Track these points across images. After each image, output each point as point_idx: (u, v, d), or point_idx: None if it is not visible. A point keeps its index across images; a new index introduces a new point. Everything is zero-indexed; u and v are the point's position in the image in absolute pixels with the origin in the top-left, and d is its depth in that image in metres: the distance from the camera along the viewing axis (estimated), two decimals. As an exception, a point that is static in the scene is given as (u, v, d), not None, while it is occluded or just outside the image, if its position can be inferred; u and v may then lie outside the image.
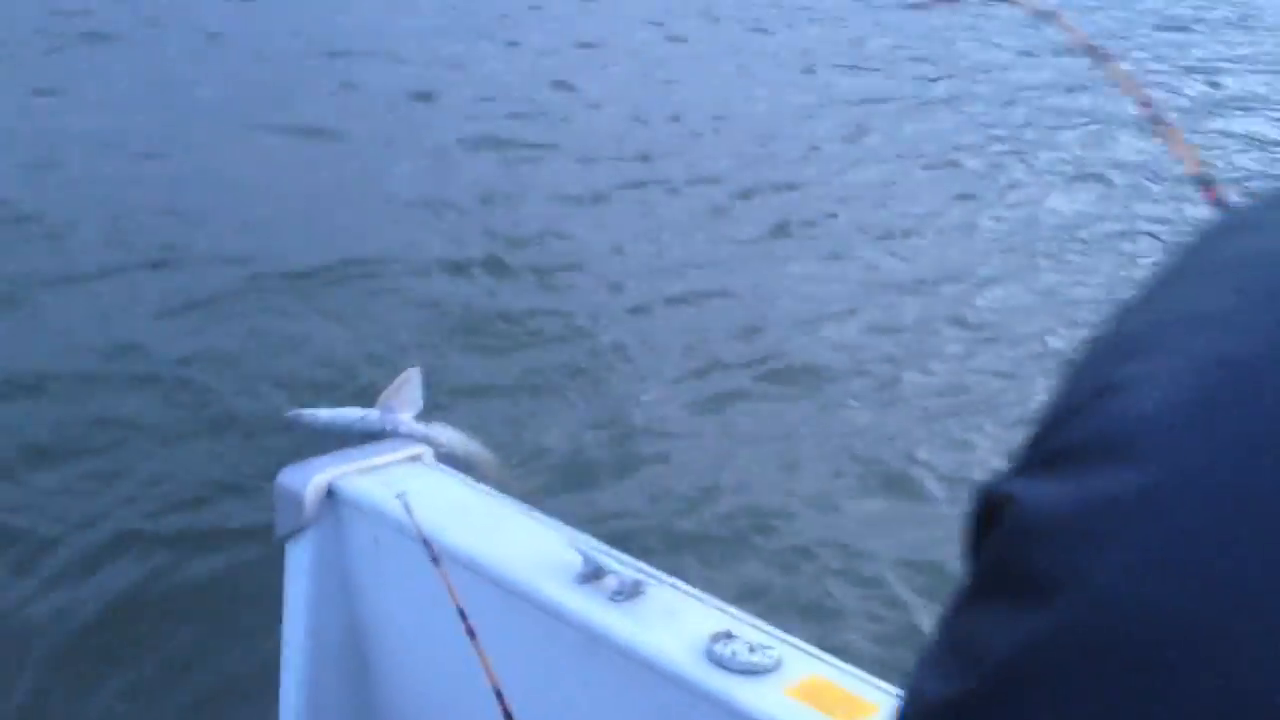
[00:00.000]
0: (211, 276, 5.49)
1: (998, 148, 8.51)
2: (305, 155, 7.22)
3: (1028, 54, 10.78)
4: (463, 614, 1.82)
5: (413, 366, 2.69)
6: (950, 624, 0.51)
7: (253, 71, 8.70)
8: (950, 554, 3.88)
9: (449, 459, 3.20)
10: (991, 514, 0.51)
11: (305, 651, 2.24)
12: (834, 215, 6.99)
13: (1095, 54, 1.07)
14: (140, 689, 3.10)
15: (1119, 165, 8.20)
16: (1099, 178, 8.03)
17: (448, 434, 3.33)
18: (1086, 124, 9.15)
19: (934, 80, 10.05)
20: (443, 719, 2.18)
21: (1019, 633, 0.46)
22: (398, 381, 2.70)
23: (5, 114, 7.33)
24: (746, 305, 5.74)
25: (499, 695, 1.62)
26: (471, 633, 1.76)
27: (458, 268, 5.85)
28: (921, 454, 4.51)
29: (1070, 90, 9.80)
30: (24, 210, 6.01)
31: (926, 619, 3.59)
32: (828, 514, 4.16)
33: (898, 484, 4.35)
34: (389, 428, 3.06)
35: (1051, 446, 0.51)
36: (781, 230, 6.66)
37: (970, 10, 11.24)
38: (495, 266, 5.87)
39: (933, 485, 4.32)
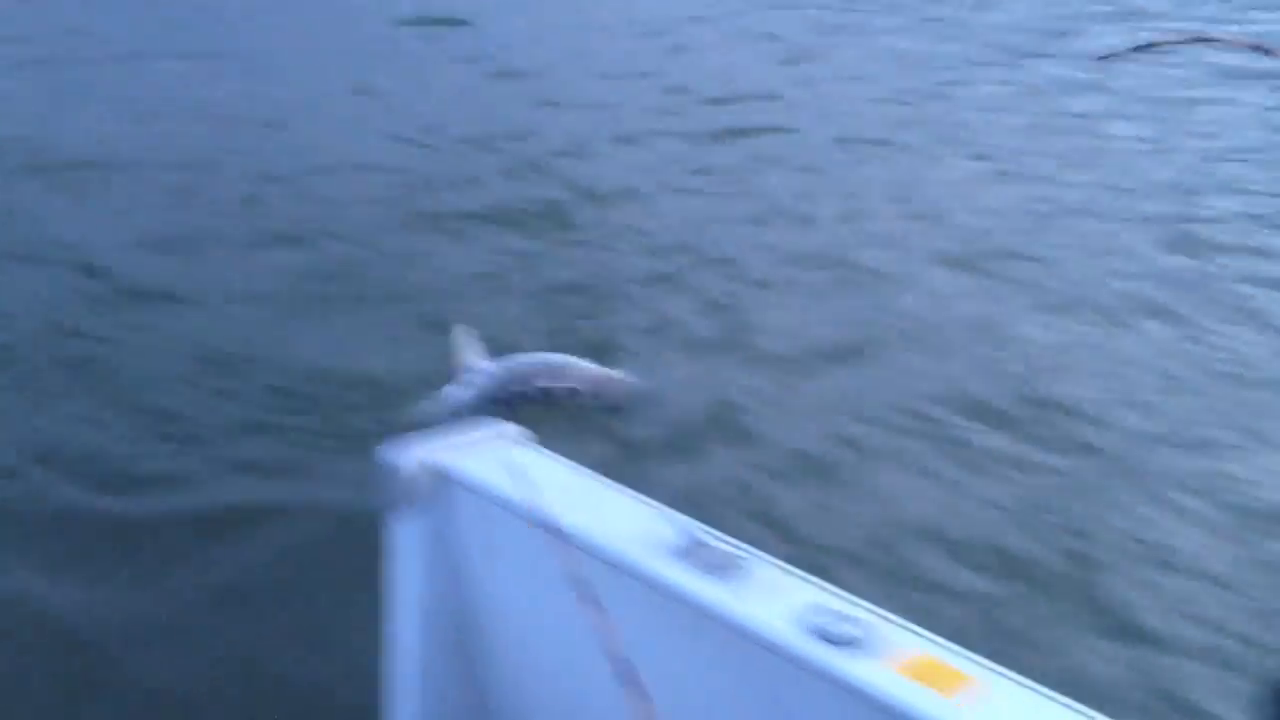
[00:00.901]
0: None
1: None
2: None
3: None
4: (582, 583, 1.90)
5: (455, 324, 2.74)
6: None
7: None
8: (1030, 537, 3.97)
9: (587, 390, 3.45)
10: None
11: (414, 627, 2.33)
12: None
13: None
14: (234, 666, 3.21)
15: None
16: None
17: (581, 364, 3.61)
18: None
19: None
20: (556, 691, 2.27)
21: None
22: (456, 340, 2.76)
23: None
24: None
25: (622, 663, 1.71)
26: (593, 601, 1.84)
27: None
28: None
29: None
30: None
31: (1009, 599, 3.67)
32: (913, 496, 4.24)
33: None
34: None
35: None
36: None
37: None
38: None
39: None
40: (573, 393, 3.62)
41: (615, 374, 3.81)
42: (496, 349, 3.57)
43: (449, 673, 2.39)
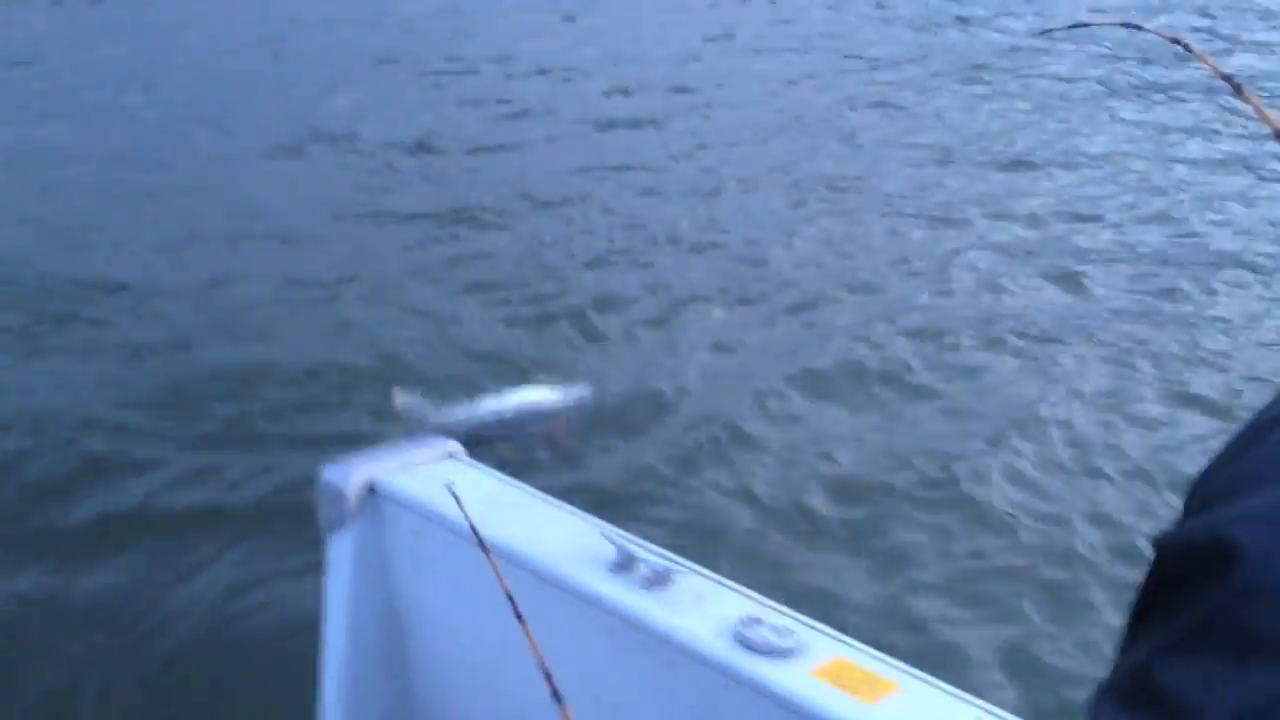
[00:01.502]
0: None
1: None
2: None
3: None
4: (510, 599, 1.92)
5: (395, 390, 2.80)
6: (1148, 670, 0.53)
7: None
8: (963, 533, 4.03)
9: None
10: (1197, 562, 0.52)
11: (346, 643, 2.35)
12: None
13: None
14: (181, 676, 3.22)
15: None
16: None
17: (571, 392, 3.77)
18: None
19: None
20: (487, 703, 2.29)
21: (1246, 692, 0.48)
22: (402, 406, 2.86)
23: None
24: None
25: (548, 677, 1.73)
26: (520, 617, 1.87)
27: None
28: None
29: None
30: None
31: (939, 600, 3.72)
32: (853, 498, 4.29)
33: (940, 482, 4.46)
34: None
35: (1271, 501, 0.52)
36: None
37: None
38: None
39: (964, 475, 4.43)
40: (551, 429, 3.79)
41: (574, 395, 3.95)
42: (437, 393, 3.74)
43: (377, 683, 2.41)
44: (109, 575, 3.63)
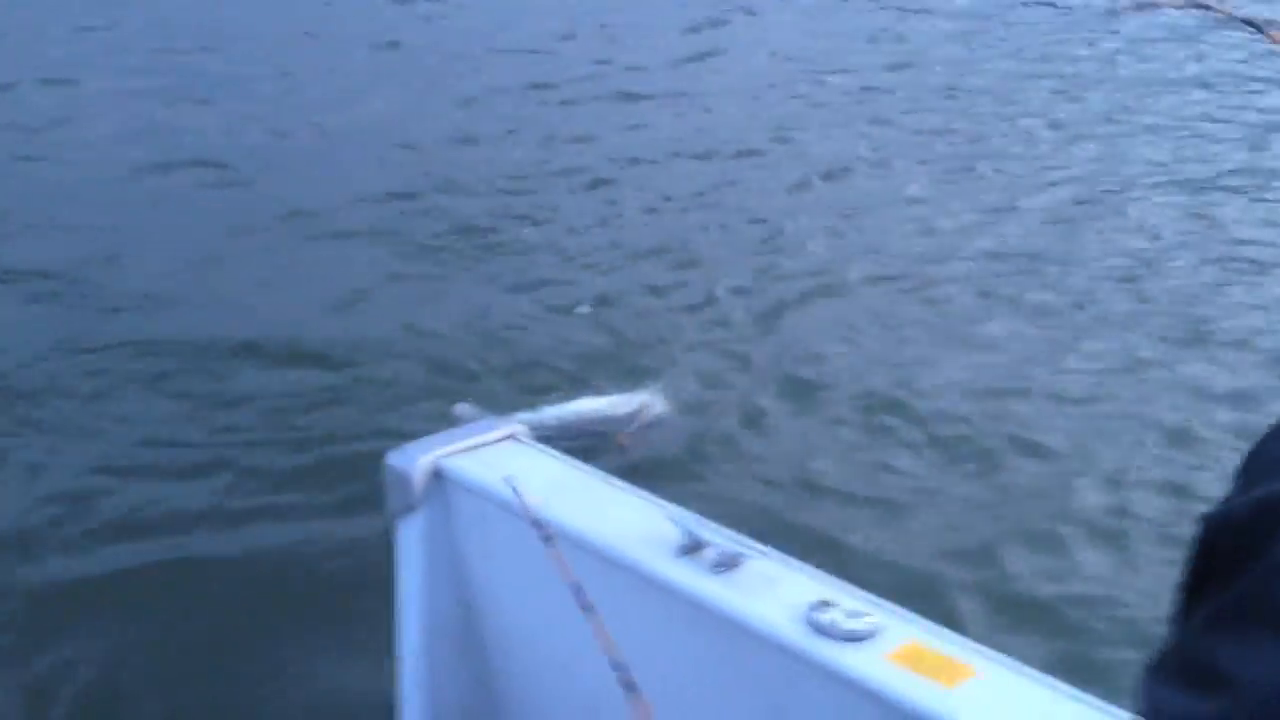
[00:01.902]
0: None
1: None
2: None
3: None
4: (576, 589, 1.91)
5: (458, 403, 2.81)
6: (1194, 644, 0.54)
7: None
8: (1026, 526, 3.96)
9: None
10: (1245, 535, 0.53)
11: (420, 628, 2.35)
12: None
13: None
14: (256, 666, 3.26)
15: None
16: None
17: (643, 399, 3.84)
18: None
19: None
20: (562, 690, 2.28)
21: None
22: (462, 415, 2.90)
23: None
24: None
25: (620, 666, 1.71)
26: (587, 607, 1.85)
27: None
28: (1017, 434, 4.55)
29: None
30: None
31: (1020, 581, 3.67)
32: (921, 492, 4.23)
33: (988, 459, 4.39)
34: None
35: None
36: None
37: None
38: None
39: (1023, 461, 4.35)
40: (617, 438, 3.83)
41: (648, 401, 3.99)
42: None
43: (453, 668, 2.41)
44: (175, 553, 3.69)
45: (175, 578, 3.60)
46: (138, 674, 3.24)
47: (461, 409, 3.20)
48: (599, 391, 4.22)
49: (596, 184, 6.75)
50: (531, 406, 3.92)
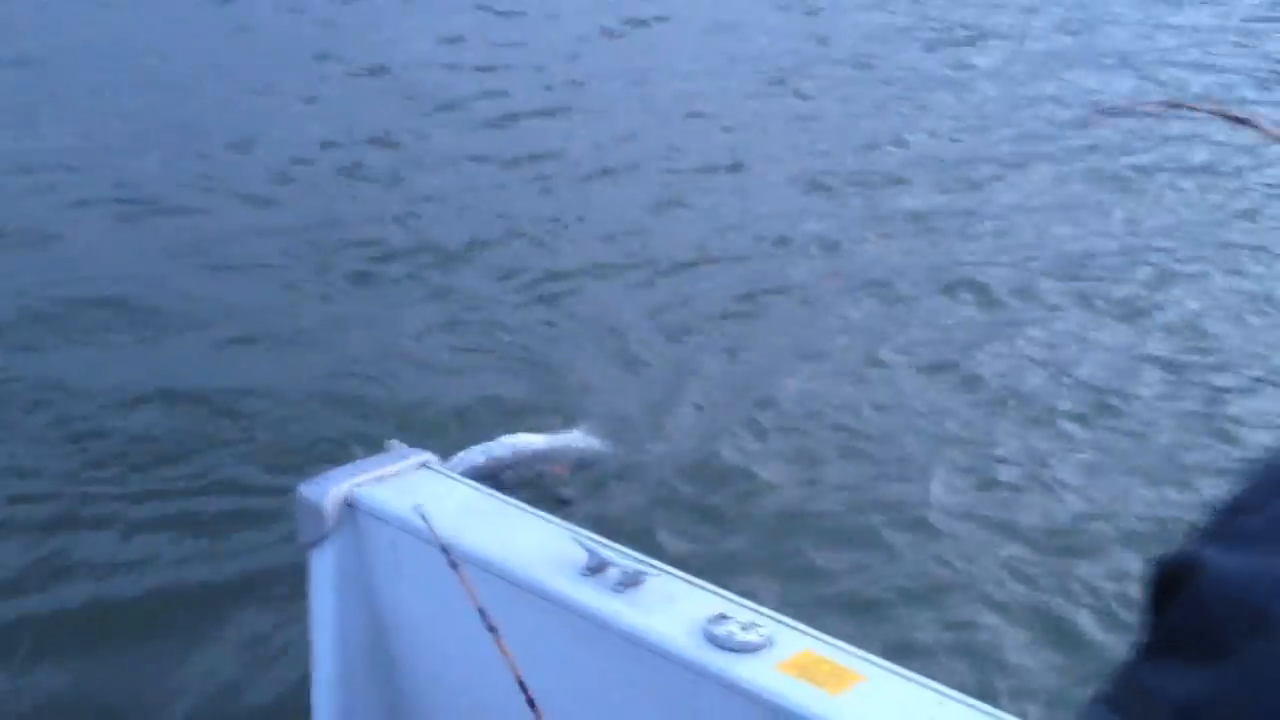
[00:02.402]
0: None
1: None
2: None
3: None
4: (482, 612, 1.98)
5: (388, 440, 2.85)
6: (1131, 672, 0.61)
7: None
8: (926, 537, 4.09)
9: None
10: (1176, 579, 0.60)
11: (333, 654, 2.41)
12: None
13: None
14: (175, 690, 3.28)
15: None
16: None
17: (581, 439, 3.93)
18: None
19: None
20: (469, 711, 2.35)
21: (1192, 687, 0.56)
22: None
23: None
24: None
25: (522, 685, 1.79)
26: (492, 629, 1.92)
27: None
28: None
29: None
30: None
31: (907, 594, 3.80)
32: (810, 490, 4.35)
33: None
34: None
35: (1242, 528, 0.59)
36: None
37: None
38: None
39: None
40: (551, 474, 3.90)
41: (586, 440, 4.08)
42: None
43: (366, 691, 2.47)
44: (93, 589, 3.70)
45: (87, 621, 3.61)
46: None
47: (391, 446, 3.26)
48: (531, 429, 4.25)
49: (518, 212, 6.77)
50: (462, 445, 3.95)
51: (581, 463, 4.14)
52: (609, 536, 2.25)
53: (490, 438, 4.04)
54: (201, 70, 9.09)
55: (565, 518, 3.82)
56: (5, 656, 3.42)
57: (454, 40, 10.02)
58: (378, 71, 9.13)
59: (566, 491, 4.02)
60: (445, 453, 3.68)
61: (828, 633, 2.05)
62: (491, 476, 3.74)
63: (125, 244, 6.19)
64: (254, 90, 8.65)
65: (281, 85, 8.82)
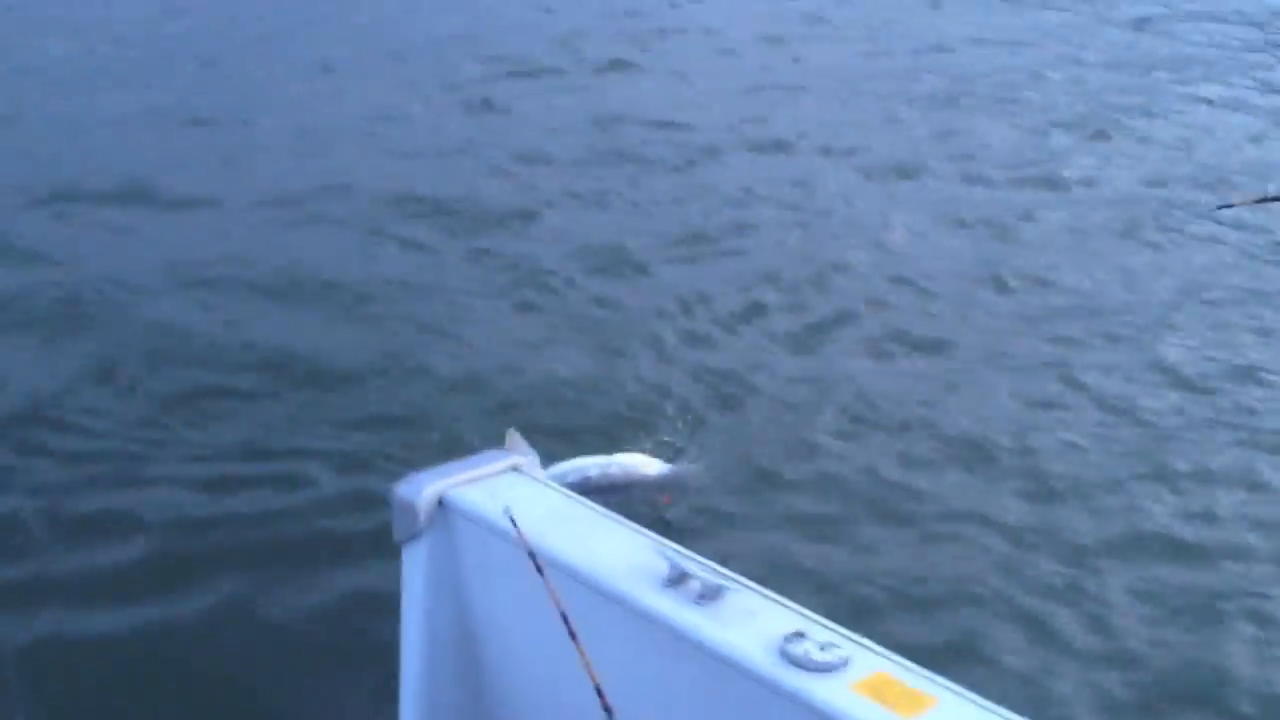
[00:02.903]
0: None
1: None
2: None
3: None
4: (564, 617, 2.04)
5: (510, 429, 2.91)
6: None
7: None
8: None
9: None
10: None
11: (421, 647, 2.49)
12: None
13: None
14: (265, 682, 3.42)
15: None
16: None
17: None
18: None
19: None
20: (546, 712, 2.41)
21: None
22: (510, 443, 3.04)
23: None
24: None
25: (599, 692, 1.84)
26: (573, 635, 1.98)
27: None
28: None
29: None
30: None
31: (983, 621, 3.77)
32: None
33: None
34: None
35: None
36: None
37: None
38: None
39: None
40: (655, 498, 3.97)
41: (686, 471, 4.15)
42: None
43: (450, 686, 2.54)
44: (200, 581, 3.86)
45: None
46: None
47: (513, 441, 3.31)
48: (634, 448, 4.30)
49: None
50: (577, 453, 4.04)
51: (680, 487, 4.18)
52: (697, 551, 2.29)
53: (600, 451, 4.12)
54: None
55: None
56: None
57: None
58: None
59: (668, 515, 4.06)
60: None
61: (903, 654, 2.07)
62: (596, 491, 3.83)
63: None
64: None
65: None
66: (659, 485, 4.08)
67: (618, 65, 10.03)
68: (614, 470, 4.00)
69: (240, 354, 5.25)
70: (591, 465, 3.98)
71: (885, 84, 10.01)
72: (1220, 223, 7.60)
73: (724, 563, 2.25)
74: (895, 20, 12.45)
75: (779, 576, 3.73)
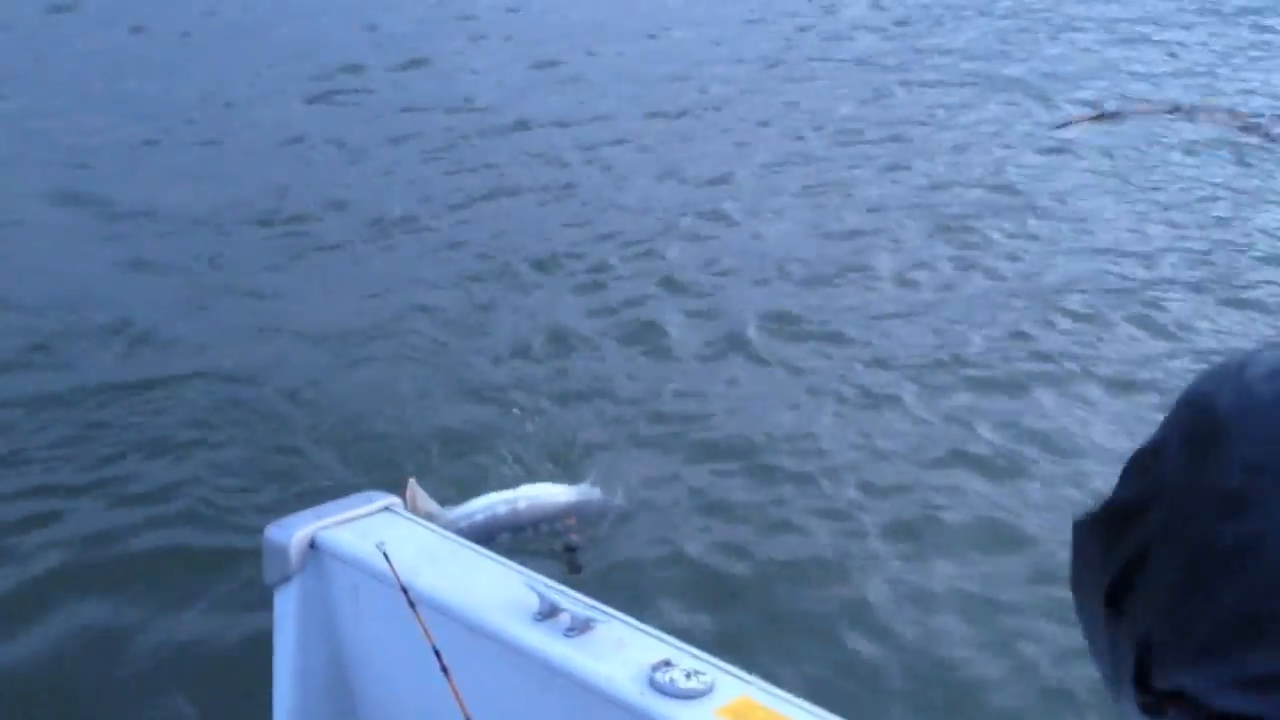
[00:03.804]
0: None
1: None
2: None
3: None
4: (437, 653, 2.07)
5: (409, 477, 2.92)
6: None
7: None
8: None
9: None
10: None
11: (295, 689, 2.49)
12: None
13: None
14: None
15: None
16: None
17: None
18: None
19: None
20: None
21: None
22: (410, 493, 3.04)
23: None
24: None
25: (469, 723, 1.88)
26: (445, 670, 2.01)
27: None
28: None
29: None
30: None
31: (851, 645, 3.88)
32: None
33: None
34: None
35: None
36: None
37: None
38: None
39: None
40: (563, 527, 3.97)
41: (591, 495, 4.14)
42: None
43: None
44: (69, 618, 3.78)
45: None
46: None
47: (413, 490, 3.28)
48: (536, 480, 4.29)
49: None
50: (479, 492, 4.04)
51: (588, 517, 4.18)
52: (603, 589, 2.33)
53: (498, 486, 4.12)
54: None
55: (569, 566, 3.90)
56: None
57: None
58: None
59: (574, 539, 4.06)
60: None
61: (771, 680, 2.14)
62: (509, 528, 3.88)
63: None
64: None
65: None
66: (566, 512, 4.09)
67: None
68: (521, 505, 3.99)
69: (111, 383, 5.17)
70: (499, 502, 3.97)
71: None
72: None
73: (618, 587, 2.30)
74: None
75: (664, 600, 3.86)
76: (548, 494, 4.14)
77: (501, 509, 3.94)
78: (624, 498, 4.36)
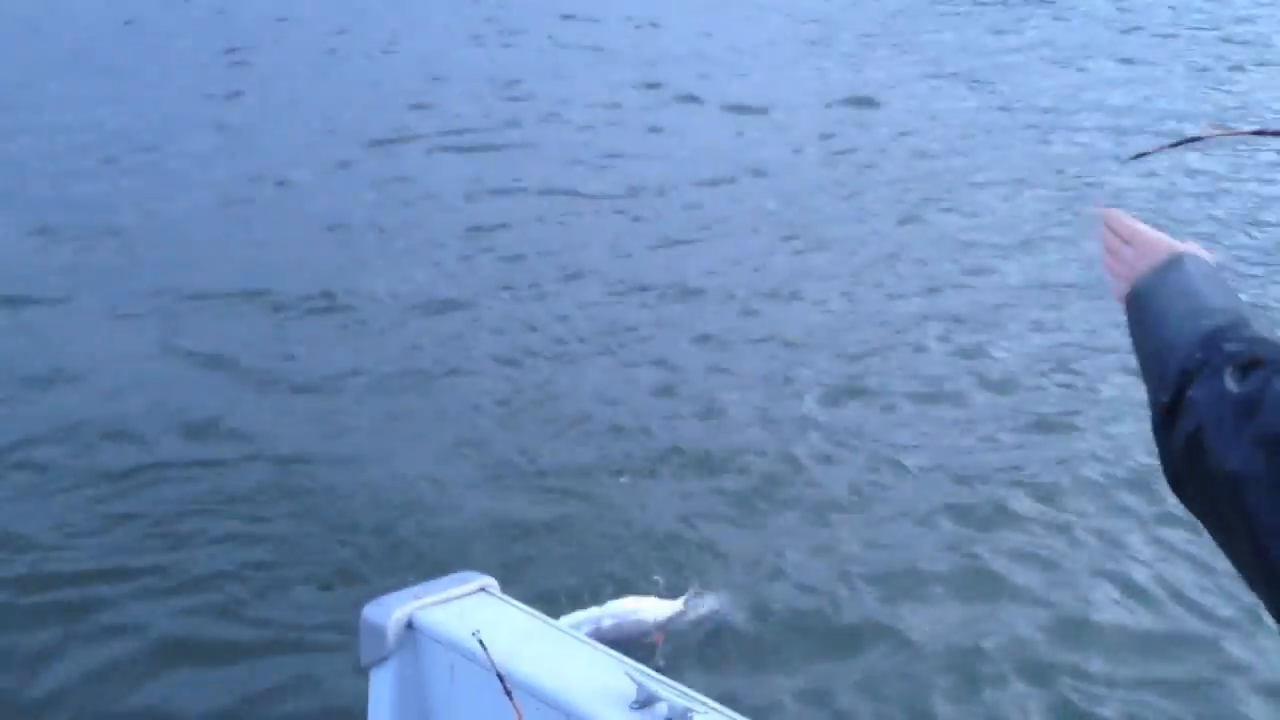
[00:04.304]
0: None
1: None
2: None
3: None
4: None
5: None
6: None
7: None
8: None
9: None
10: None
11: None
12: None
13: None
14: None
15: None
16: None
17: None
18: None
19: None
20: None
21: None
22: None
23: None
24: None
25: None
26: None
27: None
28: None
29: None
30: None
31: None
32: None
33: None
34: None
35: None
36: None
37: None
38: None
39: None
40: (650, 641, 3.98)
41: (691, 605, 4.09)
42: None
43: None
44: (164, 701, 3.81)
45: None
46: None
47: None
48: (639, 591, 4.22)
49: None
50: (570, 606, 4.01)
51: (678, 632, 4.10)
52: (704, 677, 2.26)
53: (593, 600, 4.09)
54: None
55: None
56: None
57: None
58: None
59: (659, 661, 3.96)
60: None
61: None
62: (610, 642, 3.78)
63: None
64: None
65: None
66: (660, 626, 4.04)
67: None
68: (606, 624, 3.92)
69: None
70: (604, 616, 3.95)
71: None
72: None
73: (719, 690, 2.24)
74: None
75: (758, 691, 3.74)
76: (652, 607, 4.07)
77: (606, 622, 3.90)
78: (725, 607, 4.24)
